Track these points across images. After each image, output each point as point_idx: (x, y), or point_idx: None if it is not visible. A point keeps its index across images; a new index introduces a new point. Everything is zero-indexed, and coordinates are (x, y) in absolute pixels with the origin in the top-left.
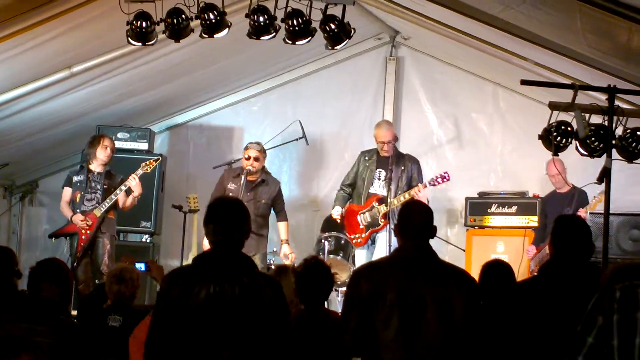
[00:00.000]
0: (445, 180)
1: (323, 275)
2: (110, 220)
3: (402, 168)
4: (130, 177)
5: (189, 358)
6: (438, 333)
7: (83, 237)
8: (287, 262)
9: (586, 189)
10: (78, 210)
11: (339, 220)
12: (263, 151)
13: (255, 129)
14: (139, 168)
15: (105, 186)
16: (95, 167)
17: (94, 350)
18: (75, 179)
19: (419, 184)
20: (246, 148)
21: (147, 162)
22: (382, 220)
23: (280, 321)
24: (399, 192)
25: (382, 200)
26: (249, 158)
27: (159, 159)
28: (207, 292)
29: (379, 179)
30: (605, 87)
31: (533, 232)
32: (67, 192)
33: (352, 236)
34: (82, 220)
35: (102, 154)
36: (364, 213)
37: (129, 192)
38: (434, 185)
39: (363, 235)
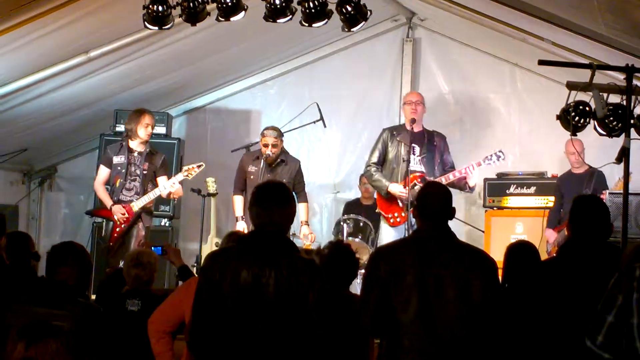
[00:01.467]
0: (500, 159)
1: (348, 259)
2: (149, 211)
3: (435, 143)
4: (170, 183)
5: (227, 340)
6: (457, 314)
7: (118, 229)
8: (308, 243)
9: (605, 169)
10: (116, 198)
11: (405, 196)
12: (280, 135)
13: (272, 112)
14: (179, 172)
15: (145, 171)
16: (136, 145)
17: (113, 334)
18: (116, 160)
19: (472, 163)
20: (262, 135)
21: (189, 168)
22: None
23: (318, 305)
24: (435, 168)
25: (423, 179)
26: (266, 145)
27: (201, 165)
28: (247, 274)
29: (415, 154)
30: (623, 66)
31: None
32: (104, 171)
33: (388, 215)
34: (122, 214)
35: (142, 133)
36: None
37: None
38: (489, 164)
39: (403, 214)
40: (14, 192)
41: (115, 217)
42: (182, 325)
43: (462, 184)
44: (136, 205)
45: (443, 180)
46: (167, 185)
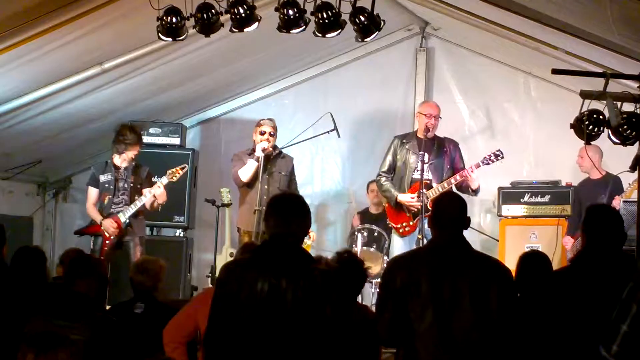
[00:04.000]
0: (499, 158)
1: (357, 270)
2: (141, 221)
3: (445, 150)
4: (155, 186)
5: (244, 350)
6: (473, 324)
7: (107, 241)
8: (309, 243)
9: (620, 177)
10: (106, 214)
11: (414, 204)
12: (276, 127)
13: (286, 122)
14: (164, 175)
15: (132, 184)
16: (122, 161)
17: (128, 344)
18: (102, 179)
19: (472, 165)
20: (259, 124)
21: (173, 171)
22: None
23: (336, 316)
24: (444, 175)
25: (429, 186)
26: (263, 133)
27: (185, 167)
28: (263, 285)
29: (424, 163)
30: (636, 74)
31: (566, 221)
32: (93, 192)
33: (397, 225)
34: (114, 228)
35: (132, 154)
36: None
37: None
38: (488, 164)
39: (411, 223)
40: (29, 204)
41: (108, 232)
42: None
43: (464, 188)
44: (123, 216)
45: (445, 185)
46: (152, 190)
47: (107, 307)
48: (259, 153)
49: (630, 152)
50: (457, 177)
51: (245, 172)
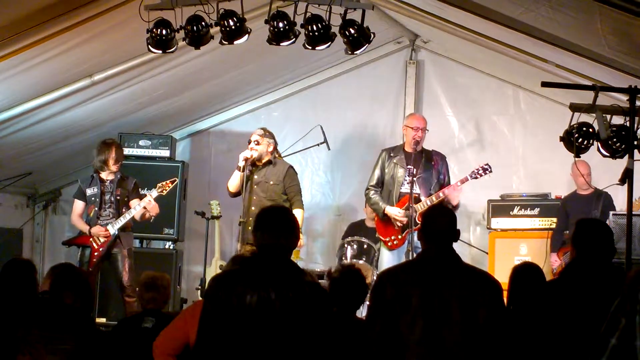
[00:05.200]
0: (487, 172)
1: (358, 284)
2: (129, 233)
3: (432, 163)
4: (145, 199)
5: None
6: (463, 336)
7: (95, 253)
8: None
9: (610, 190)
10: (92, 227)
11: (400, 218)
12: (267, 135)
13: (276, 135)
14: (154, 189)
15: (118, 197)
16: (107, 175)
17: (129, 350)
18: (89, 192)
19: (457, 181)
20: (251, 135)
21: (163, 184)
22: (420, 219)
23: (326, 328)
24: (432, 189)
25: (417, 199)
26: (249, 142)
27: (175, 180)
28: (252, 297)
29: (413, 176)
30: (626, 87)
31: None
32: (79, 205)
33: (386, 239)
34: (103, 232)
35: (114, 167)
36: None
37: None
38: (476, 178)
39: (399, 237)
40: (18, 216)
41: (100, 240)
42: (187, 349)
43: (444, 203)
44: (112, 228)
45: (434, 199)
46: (141, 203)
47: (108, 322)
48: (240, 162)
49: (619, 165)
50: (445, 190)
51: (231, 183)
